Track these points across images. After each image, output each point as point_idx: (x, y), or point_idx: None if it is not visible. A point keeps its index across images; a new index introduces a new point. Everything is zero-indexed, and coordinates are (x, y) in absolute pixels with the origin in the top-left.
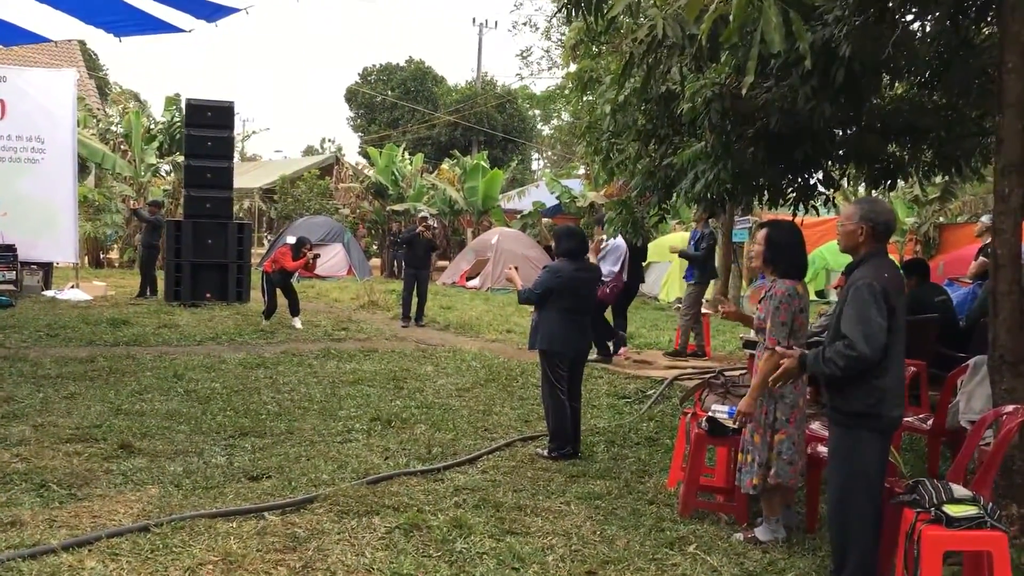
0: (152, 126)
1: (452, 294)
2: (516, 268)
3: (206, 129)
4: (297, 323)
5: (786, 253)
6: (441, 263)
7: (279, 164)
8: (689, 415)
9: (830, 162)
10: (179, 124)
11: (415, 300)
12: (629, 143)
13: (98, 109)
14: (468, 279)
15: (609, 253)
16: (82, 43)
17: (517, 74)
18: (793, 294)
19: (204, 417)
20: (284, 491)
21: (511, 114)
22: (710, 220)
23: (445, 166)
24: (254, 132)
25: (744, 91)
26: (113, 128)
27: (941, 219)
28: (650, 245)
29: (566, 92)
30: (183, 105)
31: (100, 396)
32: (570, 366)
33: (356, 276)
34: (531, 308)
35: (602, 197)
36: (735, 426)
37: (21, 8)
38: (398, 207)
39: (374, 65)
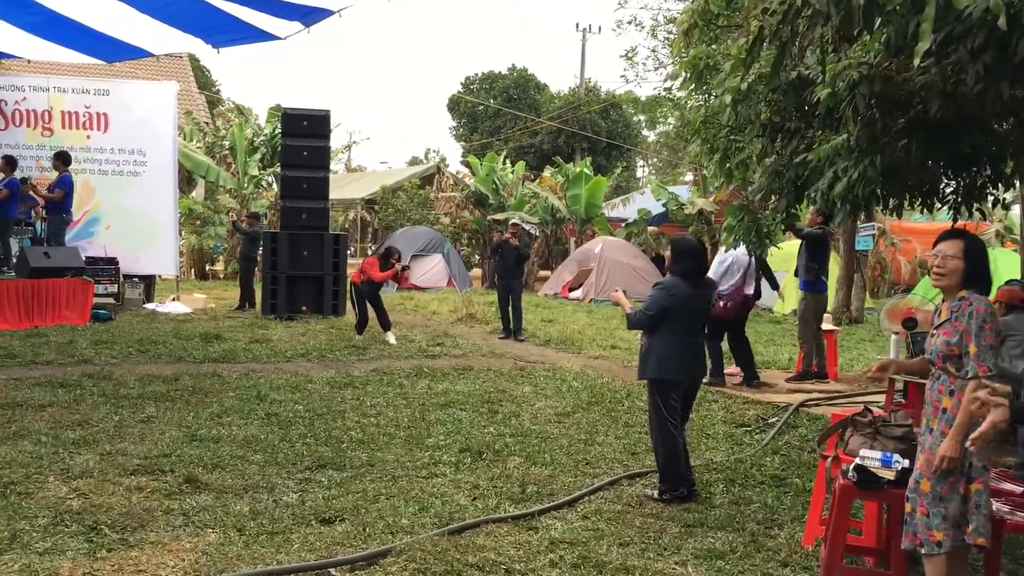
0: (255, 138)
1: (554, 306)
2: (624, 291)
3: (302, 139)
4: (391, 338)
5: (987, 268)
6: (543, 273)
7: (382, 174)
8: (829, 459)
9: (1005, 156)
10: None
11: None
12: (751, 139)
13: (206, 123)
14: (570, 290)
15: (729, 266)
16: (193, 59)
17: (622, 75)
18: (994, 312)
19: (282, 445)
20: (357, 539)
21: (615, 120)
22: (826, 226)
23: (547, 174)
24: (355, 142)
25: (917, 61)
26: (219, 141)
27: None
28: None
29: (677, 84)
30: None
31: (177, 420)
32: (684, 395)
33: (456, 287)
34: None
35: (712, 204)
36: (892, 477)
37: (119, 21)
38: (499, 216)
39: (476, 74)
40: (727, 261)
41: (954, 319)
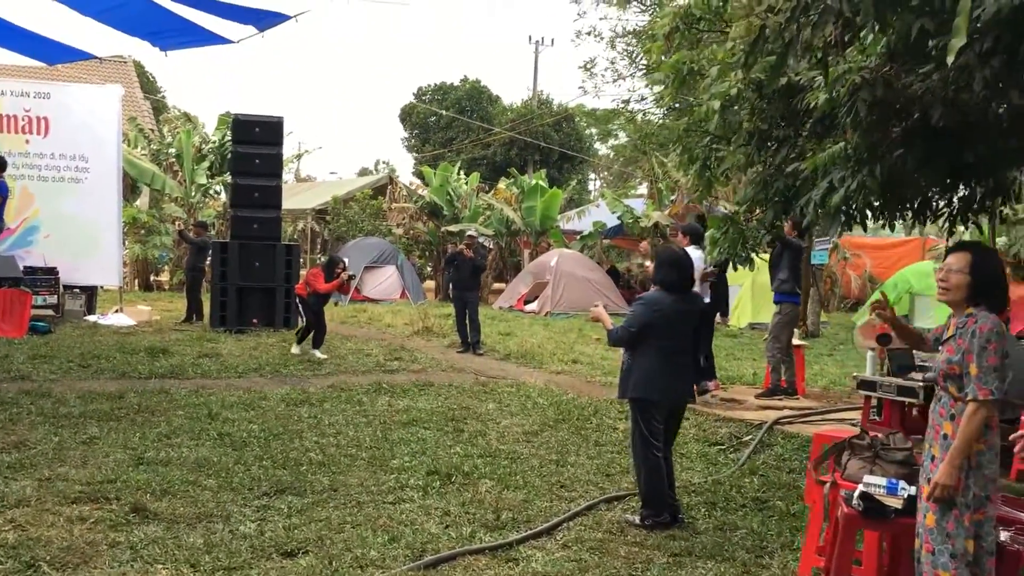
0: (203, 145)
1: (510, 319)
2: (603, 305)
3: (254, 146)
4: (318, 354)
5: (998, 283)
6: (497, 286)
7: (333, 185)
8: (828, 485)
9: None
10: (230, 143)
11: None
12: (736, 148)
13: (151, 130)
14: (526, 303)
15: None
16: (139, 65)
17: (580, 87)
18: (1001, 331)
19: (236, 468)
20: (323, 574)
21: (567, 133)
22: (800, 238)
23: (502, 185)
24: (306, 151)
25: (951, 58)
26: (165, 148)
27: None
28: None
29: (658, 90)
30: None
31: (122, 441)
32: (667, 417)
33: (410, 300)
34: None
35: (667, 217)
36: (900, 505)
37: (63, 23)
38: (453, 228)
39: (428, 84)
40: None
41: (958, 336)
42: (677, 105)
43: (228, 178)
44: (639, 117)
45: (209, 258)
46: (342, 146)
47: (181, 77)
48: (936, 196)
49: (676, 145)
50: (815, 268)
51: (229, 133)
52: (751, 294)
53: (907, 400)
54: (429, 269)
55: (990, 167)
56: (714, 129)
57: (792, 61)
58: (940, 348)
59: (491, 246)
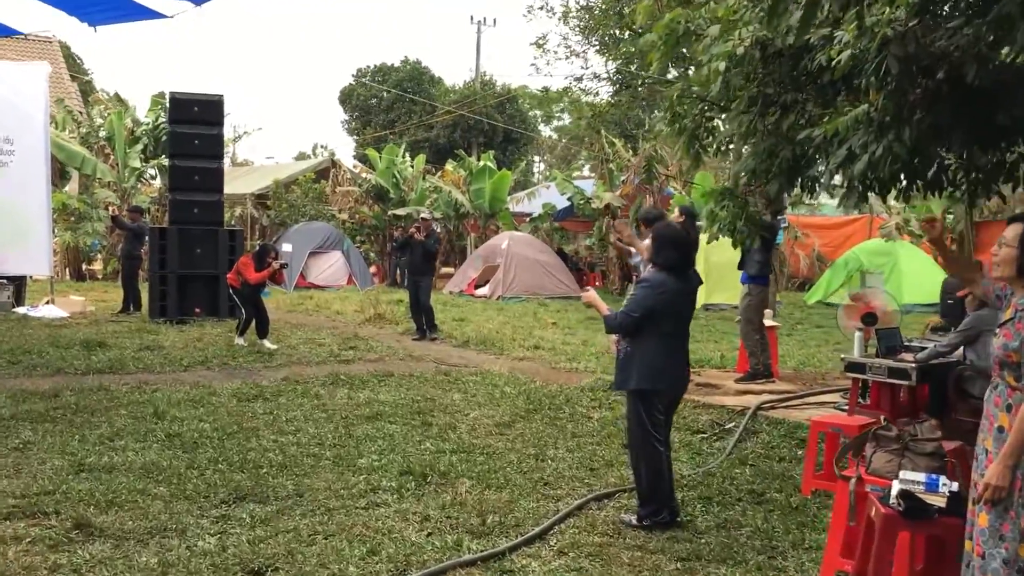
0: (136, 127)
1: (462, 304)
2: (589, 290)
3: (193, 126)
4: (267, 344)
5: None
6: (445, 270)
7: (272, 169)
8: (853, 480)
9: None
10: (164, 125)
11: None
12: (736, 115)
13: (80, 112)
14: (477, 287)
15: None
16: (64, 46)
17: (532, 63)
18: None
19: (189, 473)
20: None
21: (511, 114)
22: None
23: (449, 167)
24: (246, 133)
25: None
26: (95, 131)
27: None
28: None
29: (651, 49)
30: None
31: (60, 446)
32: (668, 406)
33: (357, 286)
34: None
35: (618, 198)
36: (943, 504)
37: None
38: (400, 211)
39: (368, 66)
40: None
41: (1018, 319)
42: (668, 76)
43: (164, 161)
44: (592, 96)
45: (146, 245)
46: (279, 129)
47: (108, 59)
48: (953, 164)
49: (667, 112)
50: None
51: (163, 114)
52: (705, 275)
53: (899, 382)
54: (374, 255)
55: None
56: (716, 94)
57: (818, 19)
58: (996, 332)
59: (439, 229)
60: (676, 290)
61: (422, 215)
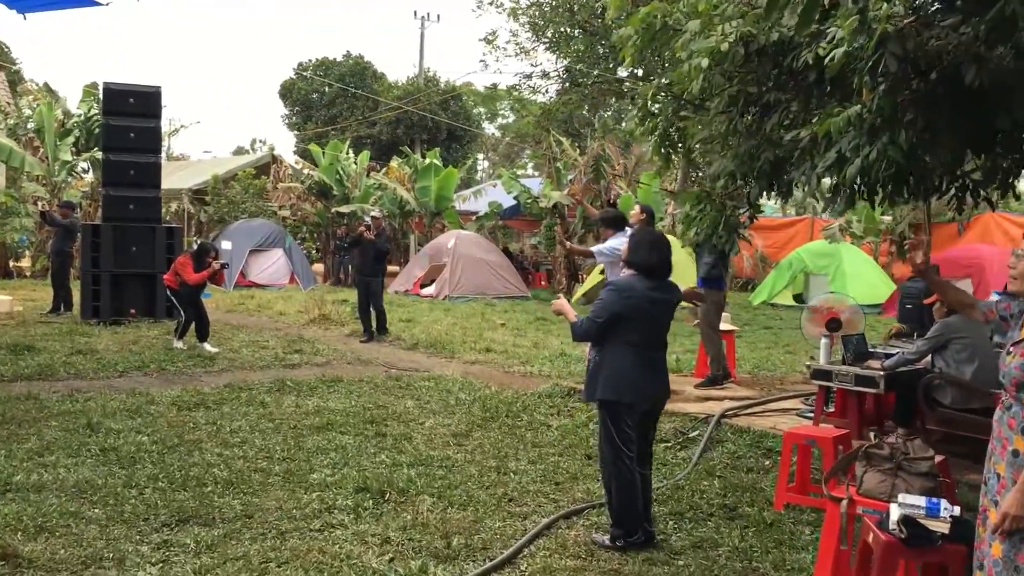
0: (67, 120)
1: (408, 304)
2: (559, 296)
3: (128, 118)
4: (208, 347)
5: None
6: (391, 269)
7: (210, 163)
8: (844, 502)
9: None
10: (98, 117)
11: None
12: (715, 115)
13: (7, 103)
14: (422, 287)
15: (616, 261)
16: None
17: (481, 60)
18: None
19: (127, 493)
20: None
21: (455, 112)
22: None
23: (394, 164)
24: (183, 126)
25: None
26: (23, 123)
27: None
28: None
29: (625, 43)
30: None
31: None
32: (641, 421)
33: (300, 285)
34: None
35: (566, 197)
36: (946, 529)
37: None
38: (344, 209)
39: (310, 60)
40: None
41: None
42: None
43: (97, 154)
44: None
45: (78, 241)
46: (216, 123)
47: (38, 48)
48: (942, 169)
49: (639, 112)
50: None
51: (96, 105)
52: None
53: (866, 390)
54: (316, 252)
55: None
56: (696, 92)
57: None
58: (1011, 350)
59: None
60: (646, 296)
61: (372, 214)
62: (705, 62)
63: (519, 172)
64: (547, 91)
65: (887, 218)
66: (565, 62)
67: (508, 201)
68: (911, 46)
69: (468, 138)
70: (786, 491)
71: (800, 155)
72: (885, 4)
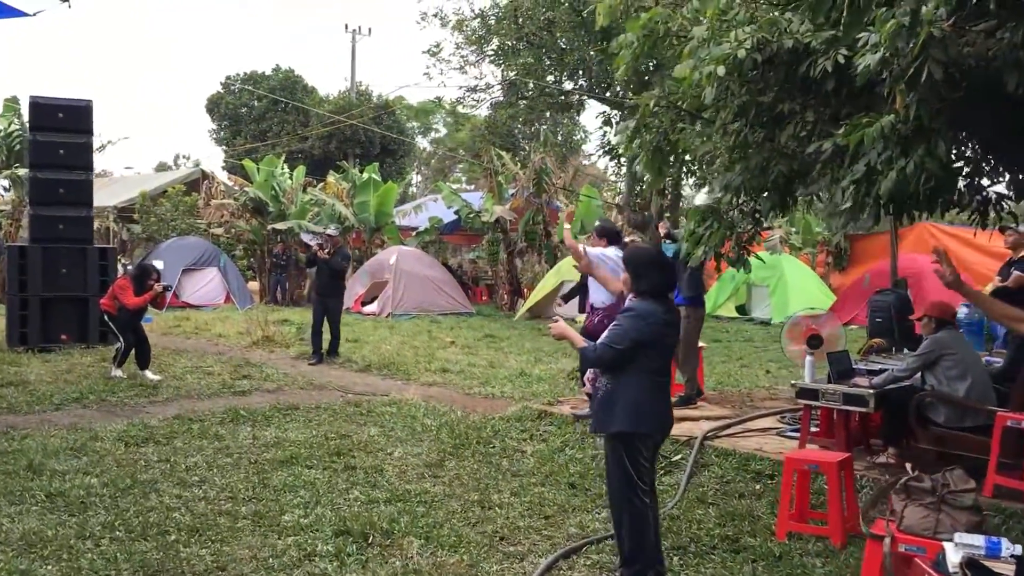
0: None
1: (350, 322)
2: (557, 320)
3: (57, 134)
4: (150, 375)
5: None
6: None
7: (135, 180)
8: (887, 540)
9: None
10: (18, 132)
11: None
12: (721, 127)
13: None
14: (364, 304)
15: (611, 273)
16: None
17: (425, 73)
18: None
19: (82, 545)
20: None
21: (389, 126)
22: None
23: (331, 179)
24: (110, 142)
25: None
26: None
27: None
28: (563, 260)
29: (624, 50)
30: (25, 108)
31: None
32: (653, 451)
33: (236, 304)
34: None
35: (509, 211)
36: (1010, 573)
37: None
38: (280, 225)
39: (237, 74)
40: (608, 259)
41: None
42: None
43: (19, 171)
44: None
45: (2, 264)
46: (137, 139)
47: None
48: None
49: (637, 123)
50: None
51: (17, 120)
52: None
53: (855, 409)
54: (251, 271)
55: None
56: (710, 102)
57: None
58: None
59: (314, 245)
60: (663, 321)
61: (328, 231)
62: (722, 70)
63: (456, 186)
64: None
65: (822, 230)
66: (511, 74)
67: (448, 216)
68: (954, 52)
69: (402, 152)
70: (787, 520)
71: (821, 168)
72: (925, 7)
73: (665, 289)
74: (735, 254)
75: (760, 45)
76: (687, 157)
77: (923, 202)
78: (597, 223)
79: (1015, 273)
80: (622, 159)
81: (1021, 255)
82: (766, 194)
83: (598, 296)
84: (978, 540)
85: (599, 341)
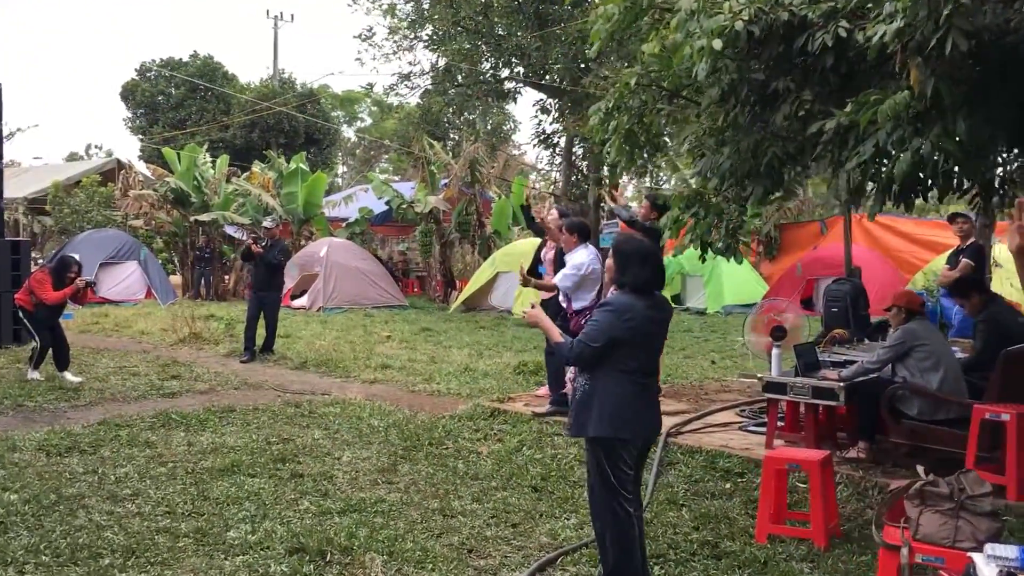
0: None
1: (280, 316)
2: (534, 305)
3: None
4: (69, 376)
5: None
6: None
7: (45, 170)
8: (904, 550)
9: None
10: None
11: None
12: (707, 107)
13: None
14: (293, 297)
15: (586, 274)
16: None
17: (357, 58)
18: None
19: (2, 573)
20: None
21: (313, 115)
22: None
23: (257, 169)
24: (19, 130)
25: None
26: None
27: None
28: (497, 252)
29: (603, 23)
30: None
31: None
32: (638, 457)
33: (158, 300)
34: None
35: (443, 202)
36: None
37: None
38: (204, 217)
39: (154, 60)
40: (584, 269)
41: None
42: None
43: None
44: (414, 93)
45: None
46: (47, 127)
47: None
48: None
49: (618, 102)
50: (604, 251)
51: None
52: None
53: (824, 403)
54: (172, 265)
55: None
56: (703, 78)
57: None
58: None
59: (244, 236)
60: (645, 317)
61: (265, 224)
62: (718, 43)
63: (383, 176)
64: (420, 92)
65: (755, 221)
66: (444, 61)
67: (379, 207)
68: (980, 22)
69: (328, 142)
70: (767, 523)
71: (823, 149)
72: None
73: (650, 285)
74: (724, 243)
75: (756, 17)
76: (665, 141)
77: (938, 185)
78: (563, 217)
79: (963, 261)
80: (557, 148)
81: (969, 243)
82: (756, 179)
83: (579, 301)
84: (1012, 552)
85: (577, 338)
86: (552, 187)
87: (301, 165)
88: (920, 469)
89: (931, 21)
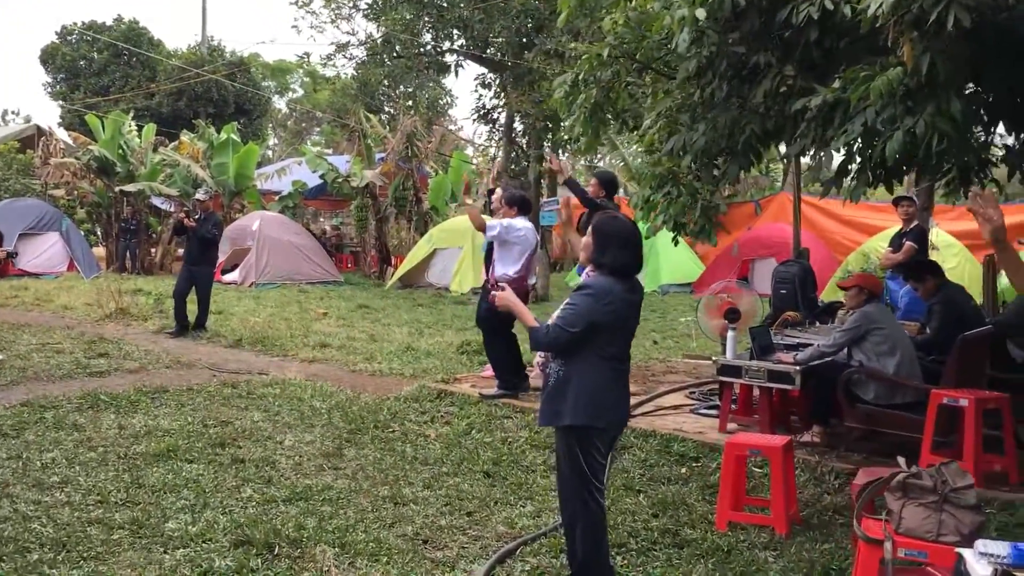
0: None
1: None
2: (504, 286)
3: None
4: None
5: None
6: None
7: None
8: (887, 544)
9: None
10: None
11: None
12: (683, 81)
13: None
14: (224, 272)
15: (514, 243)
16: None
17: (293, 26)
18: None
19: None
20: None
21: (243, 85)
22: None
23: (186, 139)
24: None
25: None
26: None
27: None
28: (434, 229)
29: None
30: None
31: None
32: (609, 446)
33: (81, 273)
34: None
35: (379, 176)
36: None
37: None
38: (129, 187)
39: (75, 23)
40: (512, 233)
41: None
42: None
43: None
44: (350, 68)
45: None
46: None
47: None
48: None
49: (586, 75)
50: (544, 230)
51: None
52: (472, 258)
53: (779, 387)
54: (96, 236)
55: None
56: (684, 50)
57: None
58: None
59: (172, 208)
60: (624, 301)
61: (198, 196)
62: (701, 13)
63: (315, 149)
64: (358, 62)
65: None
66: (382, 30)
67: (312, 180)
68: None
69: (258, 113)
70: (727, 511)
71: (806, 128)
72: None
73: (629, 268)
74: (698, 224)
75: None
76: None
77: (929, 165)
78: (506, 194)
79: (907, 243)
80: (497, 124)
81: (913, 226)
82: (733, 157)
83: (503, 269)
84: (1003, 548)
85: (553, 322)
86: (490, 164)
87: (232, 136)
88: (902, 461)
89: None
